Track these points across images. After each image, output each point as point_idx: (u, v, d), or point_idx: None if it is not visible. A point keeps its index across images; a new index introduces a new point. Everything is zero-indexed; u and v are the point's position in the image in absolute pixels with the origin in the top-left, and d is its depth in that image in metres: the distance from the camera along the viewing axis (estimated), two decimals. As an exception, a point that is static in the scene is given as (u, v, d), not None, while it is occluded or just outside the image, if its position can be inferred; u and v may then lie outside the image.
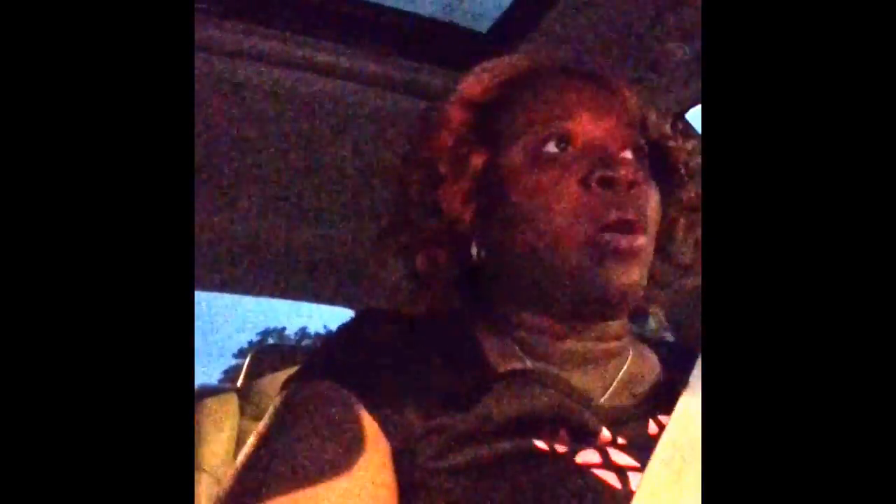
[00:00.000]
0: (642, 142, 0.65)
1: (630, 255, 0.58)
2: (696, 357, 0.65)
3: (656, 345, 0.71)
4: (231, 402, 1.14)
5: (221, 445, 1.09)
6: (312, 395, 0.56)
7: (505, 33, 0.95)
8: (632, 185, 0.59)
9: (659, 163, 0.68)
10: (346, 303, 1.63)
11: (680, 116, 1.02)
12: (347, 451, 0.52)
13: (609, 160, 0.59)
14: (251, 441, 0.55)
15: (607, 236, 0.57)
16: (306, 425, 0.53)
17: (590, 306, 0.60)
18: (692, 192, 0.69)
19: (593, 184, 0.58)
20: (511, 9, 0.94)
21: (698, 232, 0.69)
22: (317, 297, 1.62)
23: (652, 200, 0.61)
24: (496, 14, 0.95)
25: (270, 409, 0.57)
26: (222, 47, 0.92)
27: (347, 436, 0.53)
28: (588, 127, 0.62)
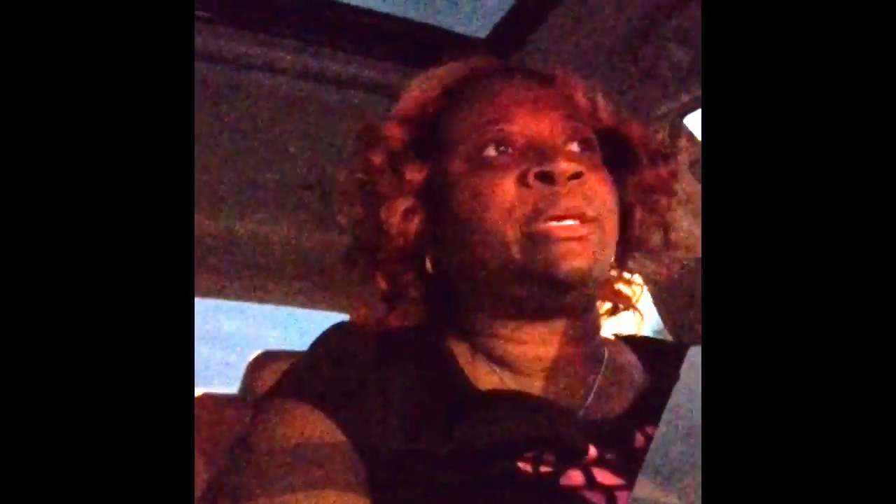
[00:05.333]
0: (590, 133, 0.64)
1: (569, 239, 0.57)
2: (684, 354, 0.64)
3: (637, 344, 0.70)
4: None
5: None
6: (284, 416, 0.54)
7: (503, 39, 0.95)
8: (574, 176, 0.58)
9: (615, 148, 0.67)
10: (347, 310, 1.63)
11: (679, 121, 1.03)
12: (319, 473, 0.51)
13: (547, 155, 0.59)
14: (221, 463, 0.53)
15: (542, 225, 0.57)
16: (276, 447, 0.52)
17: (544, 297, 0.59)
18: (649, 173, 0.68)
19: (531, 180, 0.58)
20: (509, 14, 0.94)
21: (664, 215, 0.68)
22: (318, 304, 1.61)
23: (603, 189, 0.61)
24: (495, 20, 0.96)
25: (240, 430, 0.56)
26: (222, 54, 0.92)
27: (319, 457, 0.52)
28: (527, 126, 0.61)
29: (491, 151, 0.61)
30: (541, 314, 0.61)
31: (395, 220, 0.64)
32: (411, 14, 0.95)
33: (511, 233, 0.58)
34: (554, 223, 0.57)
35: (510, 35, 0.94)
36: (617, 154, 0.67)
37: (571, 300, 0.60)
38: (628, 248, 0.68)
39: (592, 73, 0.92)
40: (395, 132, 0.66)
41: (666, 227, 0.69)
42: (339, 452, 0.52)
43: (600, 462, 0.53)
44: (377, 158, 0.65)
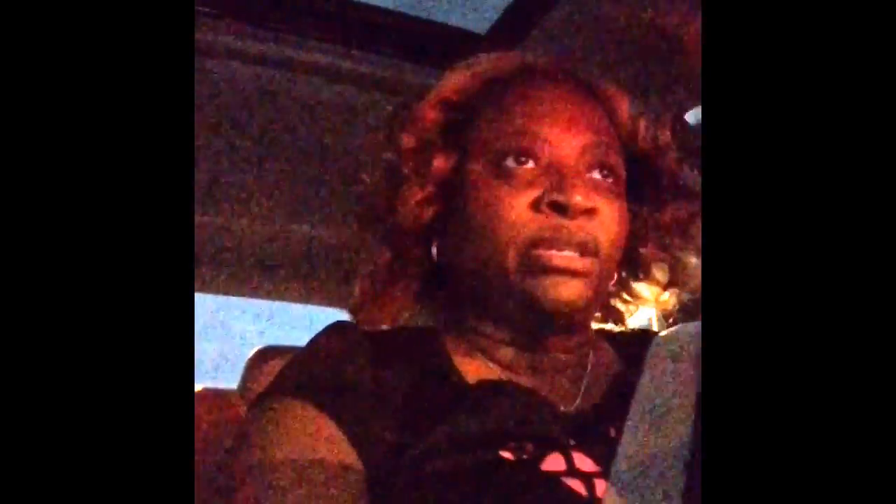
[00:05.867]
0: (616, 159, 0.63)
1: (565, 272, 0.57)
2: (648, 344, 0.63)
3: (613, 337, 0.70)
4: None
5: None
6: (281, 414, 0.54)
7: (504, 35, 0.95)
8: (586, 212, 0.58)
9: (643, 176, 0.67)
10: (345, 306, 1.63)
11: (679, 118, 1.03)
12: (318, 472, 0.51)
13: (566, 182, 0.58)
14: (219, 460, 0.54)
15: (542, 252, 0.57)
16: (275, 446, 0.52)
17: (533, 321, 0.59)
18: (669, 212, 0.67)
19: (544, 206, 0.58)
20: (510, 10, 0.94)
21: (674, 253, 0.67)
22: (319, 300, 1.61)
23: (614, 224, 0.60)
24: (495, 15, 0.96)
25: (238, 428, 0.56)
26: (223, 49, 0.92)
27: (318, 455, 0.52)
28: (554, 143, 0.60)
29: (511, 162, 0.60)
30: (529, 330, 0.61)
31: (410, 206, 0.64)
32: (411, 9, 0.95)
33: (513, 253, 0.58)
34: (555, 251, 0.57)
35: (511, 31, 0.94)
36: (642, 180, 0.66)
37: (561, 326, 0.60)
38: (630, 276, 0.69)
39: (592, 68, 0.92)
40: (429, 114, 0.65)
41: (672, 265, 0.68)
42: (336, 450, 0.52)
43: (579, 451, 0.54)
44: (409, 141, 0.65)
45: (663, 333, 0.65)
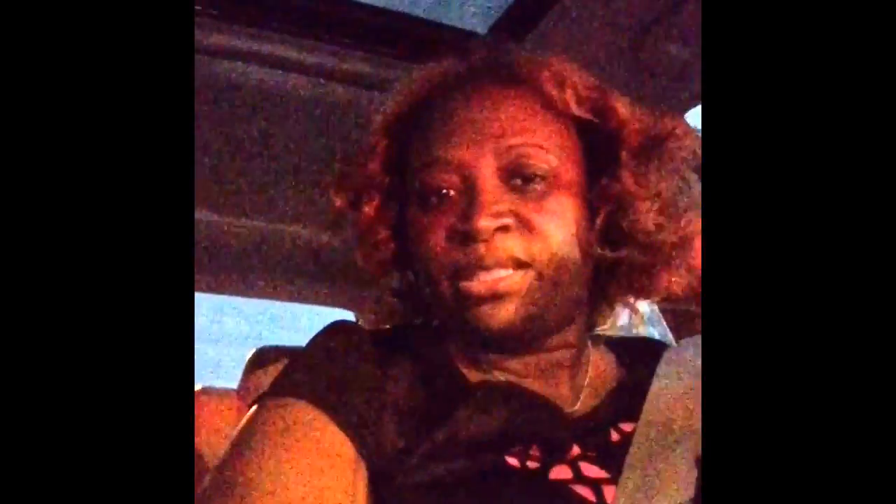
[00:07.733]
0: (548, 156, 0.59)
1: (492, 298, 0.56)
2: (656, 351, 0.63)
3: (612, 343, 0.69)
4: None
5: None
6: (283, 415, 0.54)
7: (504, 34, 0.95)
8: (501, 229, 0.56)
9: (595, 141, 0.62)
10: (348, 306, 1.63)
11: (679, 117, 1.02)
12: (320, 473, 0.51)
13: (472, 209, 0.56)
14: (219, 461, 0.53)
15: (465, 284, 0.57)
16: (277, 448, 0.51)
17: (490, 341, 0.59)
18: (621, 181, 0.60)
19: (455, 236, 0.58)
20: (510, 9, 0.94)
21: (639, 224, 0.60)
22: (318, 300, 1.61)
23: (548, 227, 0.57)
24: (495, 16, 0.95)
25: (239, 428, 0.55)
26: (222, 49, 0.92)
27: (320, 456, 0.51)
28: (470, 163, 0.58)
29: (433, 197, 0.60)
30: (493, 347, 0.61)
31: (363, 253, 0.66)
32: (411, 9, 0.95)
33: (444, 286, 0.59)
34: (483, 274, 0.56)
35: (511, 30, 0.94)
36: (593, 148, 0.62)
37: (523, 341, 0.60)
38: (606, 284, 0.64)
39: (592, 68, 0.92)
40: (382, 143, 0.66)
41: (634, 241, 0.61)
42: (339, 451, 0.52)
43: (584, 458, 0.54)
44: (338, 199, 0.66)
45: (673, 345, 0.64)
